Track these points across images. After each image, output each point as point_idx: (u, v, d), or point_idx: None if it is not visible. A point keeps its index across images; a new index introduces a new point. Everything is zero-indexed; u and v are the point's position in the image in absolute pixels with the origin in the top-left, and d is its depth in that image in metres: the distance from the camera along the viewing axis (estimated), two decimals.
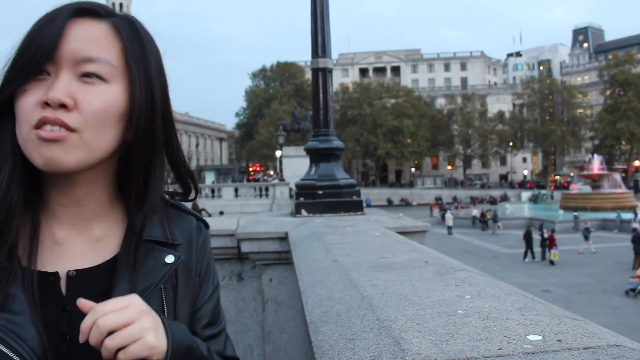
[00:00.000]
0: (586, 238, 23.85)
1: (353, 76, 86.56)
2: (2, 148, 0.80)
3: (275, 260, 3.61)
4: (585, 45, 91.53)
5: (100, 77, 0.79)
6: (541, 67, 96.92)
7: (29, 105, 0.76)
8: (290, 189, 25.38)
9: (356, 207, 4.73)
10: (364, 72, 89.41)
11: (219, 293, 1.01)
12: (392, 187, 73.18)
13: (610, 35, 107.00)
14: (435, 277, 1.52)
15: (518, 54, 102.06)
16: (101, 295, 0.81)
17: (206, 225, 1.01)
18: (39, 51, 0.77)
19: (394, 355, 0.86)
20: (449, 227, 32.42)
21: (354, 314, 1.19)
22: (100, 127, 0.79)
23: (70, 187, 0.84)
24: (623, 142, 63.09)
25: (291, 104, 58.08)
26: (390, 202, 59.08)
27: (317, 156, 4.96)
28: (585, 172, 44.35)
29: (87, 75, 0.78)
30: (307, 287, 1.67)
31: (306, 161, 5.37)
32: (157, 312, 0.80)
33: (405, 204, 59.94)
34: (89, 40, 0.79)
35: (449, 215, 34.05)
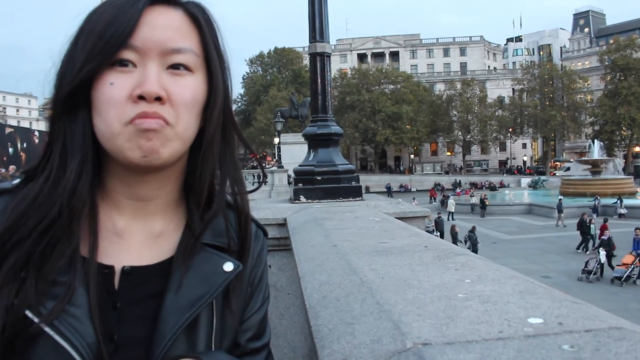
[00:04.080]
0: None
1: (351, 62, 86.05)
2: (71, 141, 0.76)
3: (274, 246, 3.61)
4: (586, 29, 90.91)
5: (186, 68, 0.77)
6: (541, 52, 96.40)
7: (118, 100, 0.73)
8: (289, 176, 25.37)
9: (355, 192, 4.72)
10: (362, 57, 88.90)
11: (268, 306, 0.97)
12: (391, 173, 73.17)
13: (611, 20, 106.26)
14: (435, 261, 1.51)
15: (518, 39, 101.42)
16: (153, 297, 0.79)
17: (265, 233, 0.98)
18: (116, 36, 0.73)
19: (394, 339, 0.85)
20: (451, 213, 32.37)
21: (353, 298, 1.19)
22: (189, 117, 0.77)
23: (141, 184, 0.81)
24: (623, 128, 62.90)
25: (289, 91, 57.82)
26: (389, 189, 59.17)
27: (315, 142, 4.94)
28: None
29: (175, 66, 0.76)
30: (307, 273, 1.67)
31: (304, 148, 5.35)
32: (207, 323, 0.80)
33: (405, 190, 60.00)
34: (172, 29, 0.77)
35: (451, 201, 34.06)
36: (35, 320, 0.70)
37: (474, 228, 20.01)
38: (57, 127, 0.78)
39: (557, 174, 43.90)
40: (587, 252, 19.52)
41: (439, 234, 21.60)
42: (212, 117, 0.81)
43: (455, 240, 20.37)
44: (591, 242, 20.79)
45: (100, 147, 0.78)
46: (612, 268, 16.19)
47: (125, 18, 0.74)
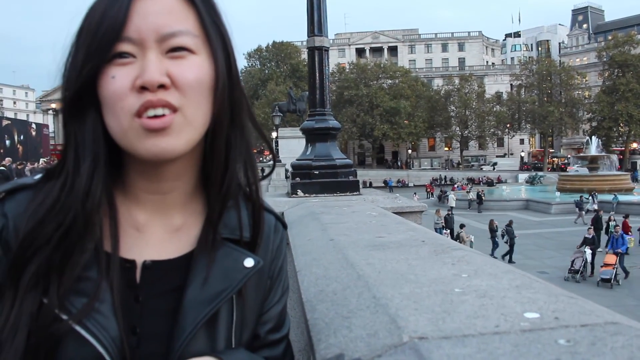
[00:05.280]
0: None
1: (349, 56, 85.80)
2: (82, 145, 0.76)
3: None
4: (585, 25, 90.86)
5: (187, 49, 0.75)
6: (540, 48, 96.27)
7: (121, 92, 0.72)
8: (286, 170, 25.31)
9: (352, 187, 4.72)
10: (360, 52, 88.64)
11: (287, 297, 0.97)
12: (389, 168, 73.12)
13: (610, 16, 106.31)
14: (431, 256, 1.51)
15: (516, 35, 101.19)
16: (173, 291, 0.79)
17: (284, 226, 0.97)
18: (108, 30, 0.72)
19: (391, 333, 0.85)
20: (451, 208, 32.20)
21: (350, 292, 1.19)
22: (197, 99, 0.75)
23: (159, 176, 0.81)
24: (621, 124, 62.93)
25: (287, 85, 57.60)
26: (386, 183, 59.17)
27: (313, 136, 4.94)
28: None
29: (174, 50, 0.74)
30: (303, 267, 1.67)
31: (302, 142, 5.35)
32: (227, 318, 0.80)
33: (402, 185, 60.00)
34: (165, 13, 0.75)
35: (452, 197, 33.99)
36: (65, 318, 0.70)
37: (510, 222, 19.80)
38: (68, 132, 0.77)
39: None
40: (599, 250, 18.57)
41: (448, 231, 21.33)
42: (216, 98, 0.78)
43: (494, 234, 20.09)
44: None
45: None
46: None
47: (114, 10, 0.73)
